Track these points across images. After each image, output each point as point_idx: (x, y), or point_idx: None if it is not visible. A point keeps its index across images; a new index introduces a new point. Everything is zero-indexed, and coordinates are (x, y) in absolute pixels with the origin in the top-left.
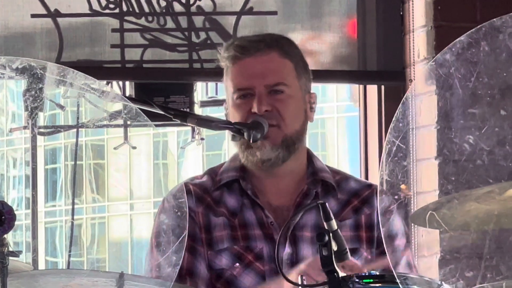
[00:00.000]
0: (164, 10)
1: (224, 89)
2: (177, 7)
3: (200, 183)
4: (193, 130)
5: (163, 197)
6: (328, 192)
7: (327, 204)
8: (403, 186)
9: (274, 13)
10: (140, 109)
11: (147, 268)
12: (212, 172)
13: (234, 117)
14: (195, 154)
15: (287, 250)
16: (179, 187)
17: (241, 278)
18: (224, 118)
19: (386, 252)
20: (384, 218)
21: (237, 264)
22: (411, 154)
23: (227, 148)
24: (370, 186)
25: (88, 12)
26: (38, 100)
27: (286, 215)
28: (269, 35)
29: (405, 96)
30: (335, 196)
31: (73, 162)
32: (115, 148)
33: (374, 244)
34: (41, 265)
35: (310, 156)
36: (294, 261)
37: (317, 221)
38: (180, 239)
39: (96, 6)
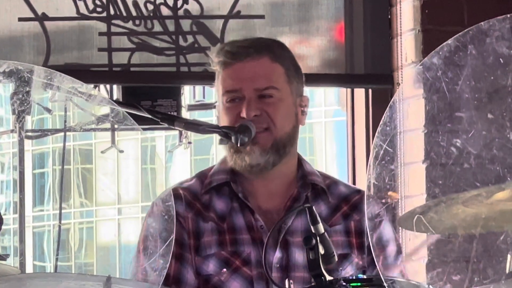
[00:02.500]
0: (151, 14)
1: (216, 93)
2: (165, 10)
3: (189, 187)
4: (181, 134)
5: (151, 201)
6: (319, 196)
7: (313, 207)
8: (390, 193)
9: (261, 17)
10: (128, 112)
11: (133, 271)
12: (201, 175)
13: (223, 121)
14: (183, 158)
15: (277, 254)
16: (169, 191)
17: (229, 283)
18: (212, 122)
19: (374, 258)
20: (371, 223)
21: (224, 269)
22: (398, 158)
23: (215, 152)
24: (359, 191)
25: (76, 15)
26: (26, 104)
27: (277, 219)
28: (259, 40)
29: (392, 99)
30: (325, 200)
31: (60, 167)
32: (102, 152)
33: (365, 250)
34: (29, 269)
35: (300, 161)
36: (284, 265)
37: (308, 226)
38: (167, 242)
39: (83, 10)
